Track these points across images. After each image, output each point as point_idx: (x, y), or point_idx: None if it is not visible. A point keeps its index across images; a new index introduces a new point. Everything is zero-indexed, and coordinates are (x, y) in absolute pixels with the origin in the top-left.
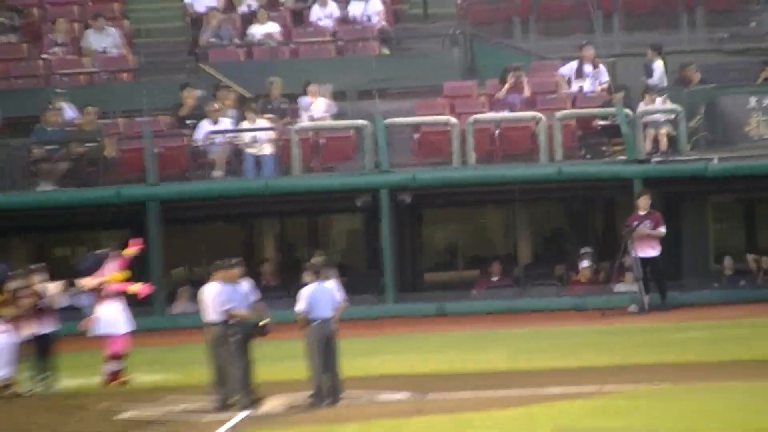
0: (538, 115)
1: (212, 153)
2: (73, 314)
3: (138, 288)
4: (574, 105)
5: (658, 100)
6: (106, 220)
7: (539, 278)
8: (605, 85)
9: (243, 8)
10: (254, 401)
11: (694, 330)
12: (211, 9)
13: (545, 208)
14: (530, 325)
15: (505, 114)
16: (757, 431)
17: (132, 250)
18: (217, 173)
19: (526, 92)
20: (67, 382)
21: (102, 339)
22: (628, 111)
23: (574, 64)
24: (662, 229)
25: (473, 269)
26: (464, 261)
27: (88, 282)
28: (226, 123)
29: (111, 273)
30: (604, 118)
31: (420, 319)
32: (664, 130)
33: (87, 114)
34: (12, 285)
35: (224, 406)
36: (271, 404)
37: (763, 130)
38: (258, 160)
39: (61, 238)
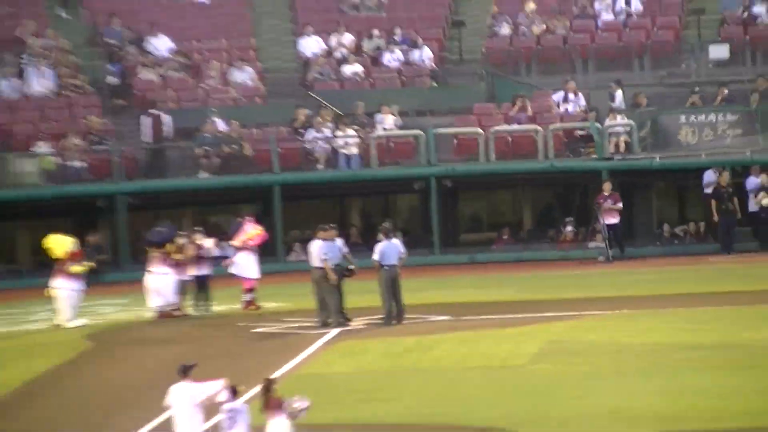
0: (538, 127)
1: (316, 152)
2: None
3: (262, 236)
4: (561, 120)
5: (619, 117)
6: (245, 197)
7: (537, 238)
8: (582, 108)
9: (337, 54)
10: (345, 321)
11: (643, 274)
12: (316, 55)
13: (541, 191)
14: (531, 270)
15: (515, 126)
16: (692, 342)
17: (257, 231)
18: (319, 166)
19: (529, 112)
20: (217, 308)
21: (240, 279)
22: (598, 125)
23: (561, 93)
24: (620, 205)
25: (492, 232)
26: (486, 226)
27: (236, 242)
28: (326, 132)
29: (248, 232)
30: (581, 129)
31: (456, 266)
32: (622, 138)
33: (232, 126)
34: (180, 240)
35: (324, 324)
36: (356, 323)
37: (690, 138)
38: (348, 157)
39: (214, 209)
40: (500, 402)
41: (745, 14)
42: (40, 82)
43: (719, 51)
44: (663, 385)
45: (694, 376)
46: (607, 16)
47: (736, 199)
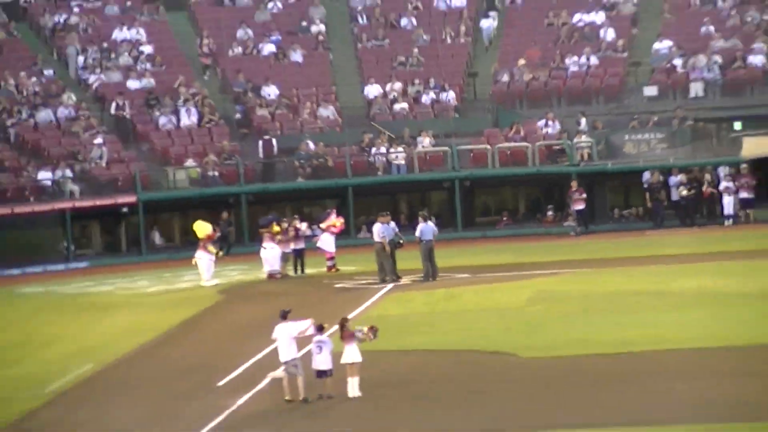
0: (527, 144)
1: (377, 163)
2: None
3: (341, 227)
4: (543, 139)
5: (583, 137)
6: (329, 194)
7: (528, 220)
8: (558, 130)
9: (390, 96)
10: (397, 279)
11: (602, 243)
12: (376, 97)
13: (530, 187)
14: (524, 242)
15: (512, 144)
16: (639, 289)
17: (339, 220)
18: (379, 173)
19: (522, 133)
20: (309, 271)
21: (324, 251)
22: (568, 142)
23: (543, 120)
24: (584, 195)
25: (497, 216)
26: (493, 212)
27: (323, 225)
28: (383, 149)
29: (331, 220)
30: (557, 145)
31: (473, 240)
32: (585, 151)
33: (319, 146)
34: (283, 224)
35: (382, 281)
36: (405, 280)
37: (631, 150)
38: (398, 166)
39: (307, 203)
40: (506, 333)
41: (668, 65)
42: (189, 118)
43: (650, 90)
44: (620, 320)
45: (642, 313)
46: (574, 68)
47: (663, 192)
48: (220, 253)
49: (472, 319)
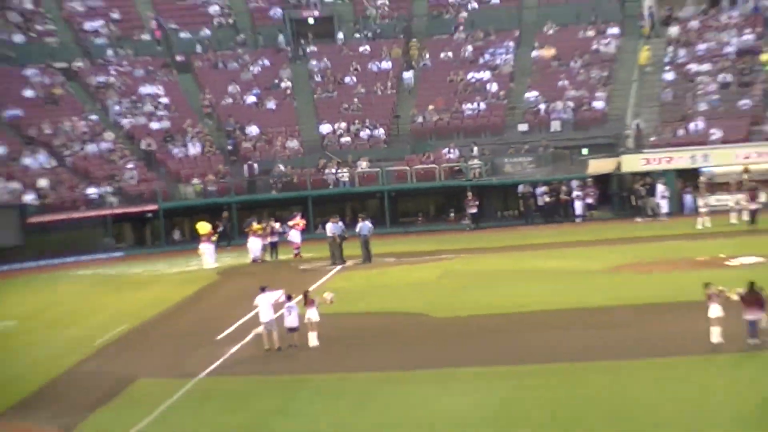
0: (436, 165)
1: (329, 180)
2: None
3: (303, 225)
4: (447, 162)
5: (475, 160)
6: (295, 203)
7: (437, 220)
8: (458, 156)
9: (338, 132)
10: (343, 262)
11: (489, 235)
12: (327, 132)
13: (438, 196)
14: (434, 235)
15: (425, 165)
16: (518, 267)
17: (302, 221)
18: (330, 187)
19: (432, 158)
20: (281, 257)
21: (292, 243)
22: (465, 164)
23: (447, 149)
24: (477, 202)
25: (414, 216)
26: (412, 213)
27: (290, 224)
28: (333, 170)
29: (296, 221)
30: (457, 166)
31: (397, 234)
32: (477, 170)
33: (287, 168)
34: (263, 224)
35: (333, 264)
36: (349, 263)
37: (510, 170)
38: (344, 182)
39: (279, 209)
40: (423, 300)
41: (535, 109)
42: (194, 149)
43: (523, 127)
44: (503, 290)
45: (518, 285)
46: (468, 112)
47: (532, 199)
48: (213, 238)
49: (397, 290)
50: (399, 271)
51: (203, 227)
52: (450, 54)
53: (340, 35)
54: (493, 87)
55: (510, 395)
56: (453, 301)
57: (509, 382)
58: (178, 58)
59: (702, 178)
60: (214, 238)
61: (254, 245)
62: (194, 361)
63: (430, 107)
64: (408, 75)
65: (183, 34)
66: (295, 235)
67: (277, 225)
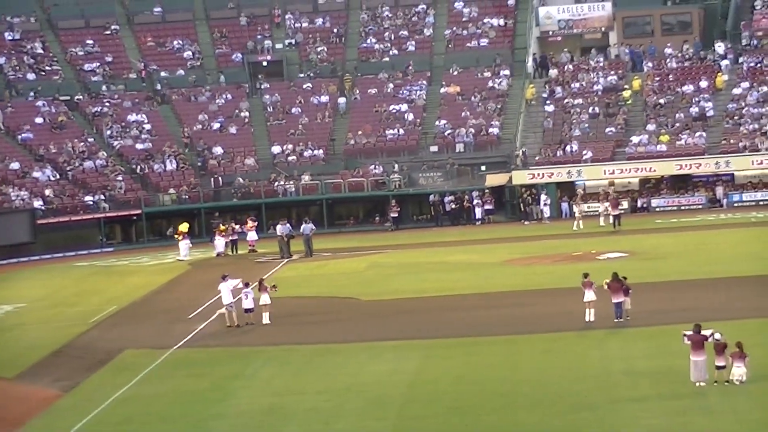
0: (364, 179)
1: (278, 190)
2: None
3: (256, 225)
4: (373, 176)
5: (396, 174)
6: (251, 208)
7: (365, 222)
8: (381, 171)
9: (287, 152)
10: (290, 256)
11: (407, 234)
12: (277, 153)
13: (366, 203)
14: (362, 235)
15: (355, 179)
16: (431, 261)
17: (255, 223)
18: (280, 196)
19: (361, 173)
20: (240, 252)
21: (249, 241)
22: (388, 177)
23: (373, 165)
24: (398, 208)
25: (347, 220)
26: (345, 217)
27: (247, 226)
28: (282, 182)
29: (252, 223)
30: (382, 179)
31: (334, 233)
32: (398, 182)
33: (246, 181)
34: (225, 225)
35: (282, 258)
36: (295, 257)
37: (424, 182)
38: (291, 192)
39: (239, 213)
40: (353, 286)
41: (444, 133)
42: (171, 165)
43: (434, 148)
44: (419, 278)
45: (432, 274)
46: (390, 135)
47: (441, 205)
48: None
49: (333, 278)
50: (335, 263)
51: (184, 226)
52: (375, 90)
53: (288, 75)
54: (410, 116)
55: (423, 363)
56: (378, 287)
57: (423, 352)
58: (159, 92)
59: (579, 190)
60: (185, 241)
61: (219, 242)
62: (170, 335)
63: (360, 132)
64: (342, 101)
65: (163, 73)
66: (251, 234)
67: (237, 226)
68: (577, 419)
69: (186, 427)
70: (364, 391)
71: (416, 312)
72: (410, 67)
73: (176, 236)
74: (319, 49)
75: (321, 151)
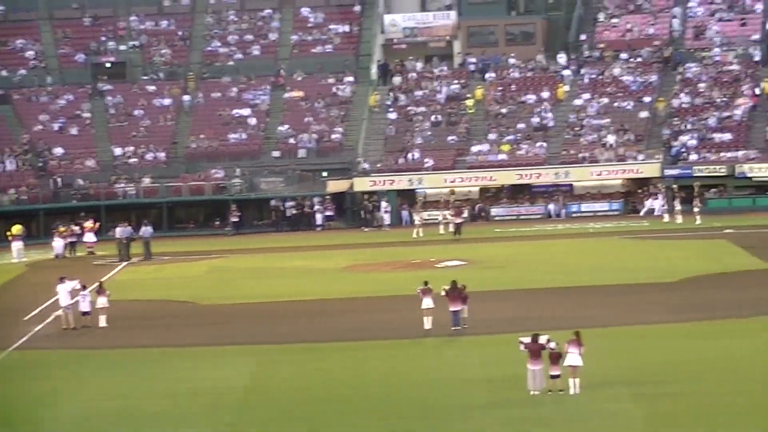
0: (206, 182)
1: (119, 192)
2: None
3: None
4: (215, 180)
5: (238, 180)
6: (91, 210)
7: (206, 226)
8: (223, 175)
9: (128, 154)
10: (129, 259)
11: (248, 240)
12: (119, 155)
13: (208, 207)
14: (202, 239)
15: (198, 182)
16: (265, 267)
17: (96, 225)
18: (120, 198)
19: (203, 177)
20: (79, 254)
21: (87, 243)
22: (229, 182)
23: (215, 170)
24: (238, 213)
25: (187, 223)
26: (185, 220)
27: (87, 227)
28: (123, 184)
29: (90, 224)
30: (223, 183)
31: (173, 237)
32: (239, 187)
33: (86, 182)
34: (65, 227)
35: (121, 260)
36: (134, 260)
37: (265, 187)
38: (131, 194)
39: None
40: (193, 290)
41: (286, 139)
42: (11, 165)
43: (276, 153)
44: (261, 284)
45: (275, 280)
46: (233, 140)
47: (282, 211)
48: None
49: (172, 282)
50: (174, 267)
51: (16, 228)
52: (219, 94)
53: (131, 77)
54: (253, 121)
55: (261, 368)
56: (217, 292)
57: (261, 357)
58: (0, 92)
59: (419, 198)
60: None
61: (58, 244)
62: (5, 337)
63: (202, 136)
64: (187, 98)
65: (4, 73)
66: (90, 237)
67: (77, 228)
68: (413, 426)
69: (22, 431)
70: (201, 396)
71: (255, 317)
72: (255, 72)
73: (8, 237)
74: (163, 51)
75: (163, 154)
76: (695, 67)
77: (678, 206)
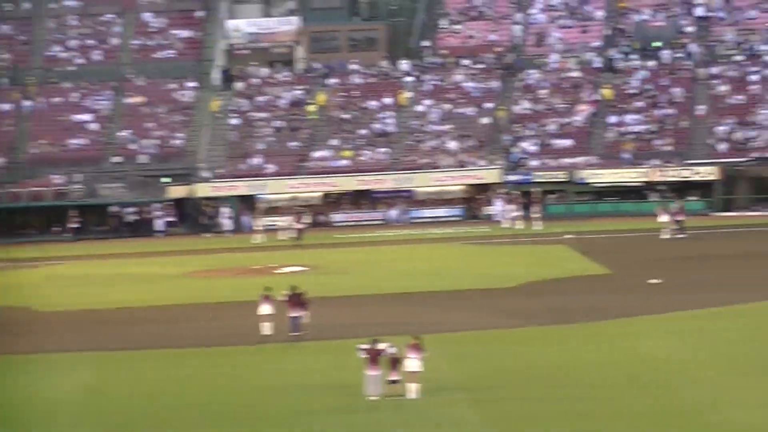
0: (47, 188)
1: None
2: None
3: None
4: (56, 186)
5: (78, 185)
6: None
7: (46, 231)
8: (64, 182)
9: None
10: None
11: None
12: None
13: (48, 212)
14: (45, 244)
15: (42, 188)
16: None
17: None
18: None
19: (45, 181)
20: None
21: None
22: (69, 188)
23: (58, 175)
24: (78, 218)
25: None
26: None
27: None
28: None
29: None
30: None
31: (12, 244)
32: (79, 193)
33: None
34: None
35: None
36: None
37: (106, 193)
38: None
39: None
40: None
41: (127, 144)
42: None
43: (117, 159)
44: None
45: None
46: (73, 145)
47: (122, 217)
48: None
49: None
50: (11, 273)
51: None
52: (60, 99)
53: None
54: (94, 126)
55: (96, 376)
56: (55, 298)
57: (97, 364)
58: None
59: (260, 204)
60: None
61: None
62: None
63: (42, 141)
64: (28, 103)
65: None
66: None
67: None
68: None
69: None
70: (36, 405)
71: (93, 324)
72: (97, 77)
73: None
74: (3, 56)
75: (2, 159)
76: (536, 73)
77: (518, 212)
